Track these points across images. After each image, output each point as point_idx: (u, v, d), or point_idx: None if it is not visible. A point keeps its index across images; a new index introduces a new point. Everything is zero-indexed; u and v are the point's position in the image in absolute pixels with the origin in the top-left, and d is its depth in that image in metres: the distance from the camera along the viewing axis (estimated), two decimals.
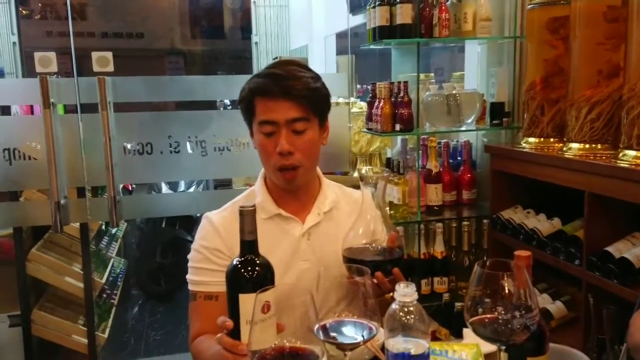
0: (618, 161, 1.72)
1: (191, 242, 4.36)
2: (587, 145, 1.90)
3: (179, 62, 11.29)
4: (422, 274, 2.44)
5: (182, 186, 4.37)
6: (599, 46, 1.89)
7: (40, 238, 3.05)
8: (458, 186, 2.59)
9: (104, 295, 3.37)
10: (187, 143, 2.47)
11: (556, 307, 2.06)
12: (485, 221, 2.46)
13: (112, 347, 3.32)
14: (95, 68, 2.30)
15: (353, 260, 1.19)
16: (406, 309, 0.85)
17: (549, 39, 2.13)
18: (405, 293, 0.85)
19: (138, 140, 2.42)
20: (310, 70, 1.42)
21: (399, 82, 2.34)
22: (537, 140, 2.16)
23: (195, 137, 2.46)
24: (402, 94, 2.31)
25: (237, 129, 2.52)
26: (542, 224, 2.10)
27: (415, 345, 0.85)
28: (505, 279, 0.90)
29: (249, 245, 1.00)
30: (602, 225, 1.81)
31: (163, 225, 4.30)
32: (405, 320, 0.85)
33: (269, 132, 1.34)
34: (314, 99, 1.35)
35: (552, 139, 2.13)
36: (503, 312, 0.89)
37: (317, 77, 1.40)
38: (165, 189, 4.23)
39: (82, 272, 2.98)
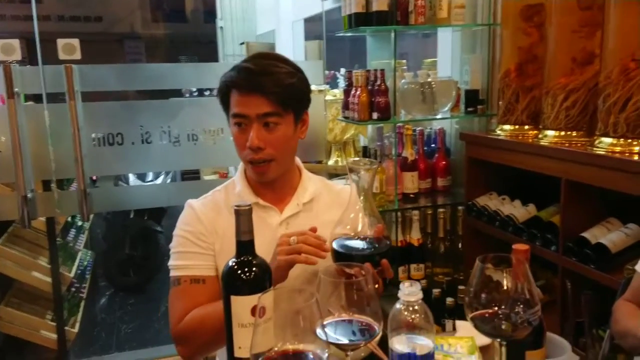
0: (594, 148, 1.75)
1: (161, 232, 4.28)
2: (563, 133, 1.93)
3: (139, 47, 10.99)
4: (399, 261, 2.46)
5: (150, 176, 4.28)
6: (573, 34, 1.91)
7: (3, 232, 2.94)
8: (433, 173, 2.61)
9: (73, 289, 3.29)
10: (159, 133, 2.40)
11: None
12: (460, 208, 2.49)
13: (82, 341, 3.25)
14: (61, 55, 2.20)
15: (342, 254, 1.18)
16: (411, 308, 0.85)
17: (523, 26, 2.15)
18: (410, 292, 0.85)
19: (108, 131, 2.35)
20: (288, 63, 1.39)
21: (376, 70, 2.32)
22: (512, 127, 2.19)
23: (168, 126, 2.40)
24: (379, 82, 2.29)
25: (210, 119, 2.47)
26: (518, 210, 2.13)
27: (420, 344, 0.84)
28: (506, 274, 0.90)
29: (244, 246, 0.98)
30: (578, 212, 1.84)
31: (131, 216, 4.20)
32: (410, 320, 0.85)
33: (241, 124, 1.35)
34: (286, 94, 1.34)
35: (526, 127, 2.16)
36: (504, 307, 0.89)
37: (293, 72, 1.38)
38: (132, 179, 4.13)
39: (49, 267, 2.90)
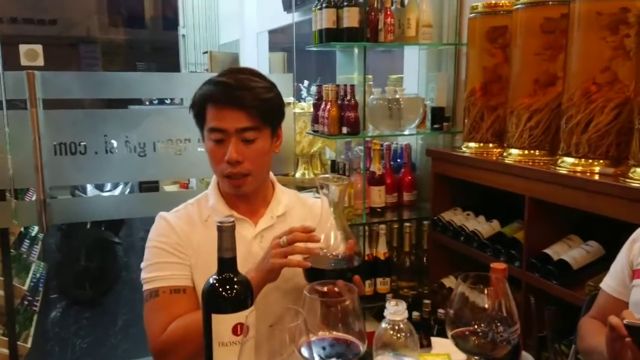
0: (557, 167, 1.81)
1: (119, 244, 4.18)
2: (526, 151, 2.00)
3: (96, 52, 10.74)
4: (366, 275, 2.47)
5: (108, 186, 4.17)
6: (536, 56, 1.98)
7: None
8: (399, 188, 2.65)
9: (25, 302, 3.16)
10: (125, 143, 2.35)
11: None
12: (425, 222, 2.53)
13: (35, 357, 3.12)
14: (23, 62, 2.13)
15: (315, 271, 1.18)
16: (397, 327, 0.85)
17: (488, 47, 2.22)
18: (395, 311, 0.85)
19: (70, 139, 2.28)
20: (264, 79, 1.40)
21: (345, 85, 2.34)
22: (477, 145, 2.25)
23: (134, 137, 2.35)
24: (348, 97, 2.32)
25: (175, 129, 2.43)
26: (482, 226, 2.18)
27: None
28: (487, 292, 0.92)
29: (226, 263, 0.96)
30: (541, 228, 1.90)
31: (88, 227, 4.07)
32: (396, 338, 0.85)
33: (219, 139, 1.34)
34: (264, 109, 1.34)
35: (491, 145, 2.22)
36: (484, 325, 0.91)
37: (270, 87, 1.39)
38: (90, 188, 4.01)
39: (1, 279, 2.78)
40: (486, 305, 0.92)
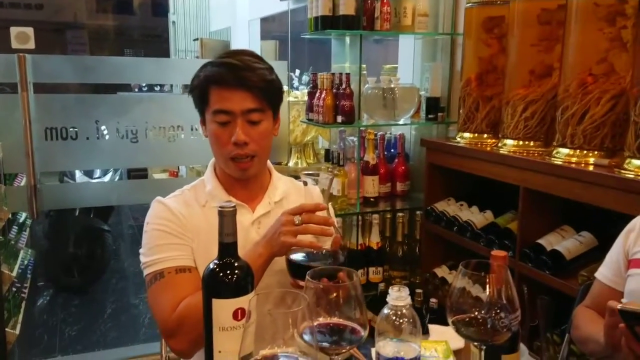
0: (552, 158, 1.82)
1: (108, 231, 4.13)
2: (521, 142, 2.00)
3: (82, 37, 10.60)
4: (358, 264, 2.47)
5: (97, 173, 4.12)
6: (532, 47, 1.98)
7: None
8: (393, 178, 2.65)
9: (14, 289, 3.12)
10: (116, 129, 2.32)
11: (479, 290, 2.16)
12: (418, 212, 2.53)
13: (23, 344, 3.09)
14: (14, 44, 2.09)
15: (298, 266, 1.17)
16: (399, 313, 0.85)
17: (484, 37, 2.22)
18: (398, 297, 0.85)
19: (61, 125, 2.25)
20: (264, 61, 1.40)
21: (341, 74, 2.33)
22: (471, 135, 2.25)
23: (126, 123, 2.32)
24: (344, 86, 2.30)
25: (169, 117, 2.41)
26: (476, 217, 2.19)
27: (406, 348, 0.85)
28: (488, 279, 0.92)
29: (227, 248, 0.95)
30: (534, 219, 1.91)
31: (76, 214, 4.02)
32: (398, 324, 0.85)
33: (224, 121, 1.32)
34: (269, 90, 1.34)
35: (486, 135, 2.22)
36: (485, 312, 0.91)
37: (271, 69, 1.39)
38: (79, 175, 3.96)
39: None
40: (487, 292, 0.92)
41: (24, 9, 9.95)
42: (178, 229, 1.34)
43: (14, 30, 2.08)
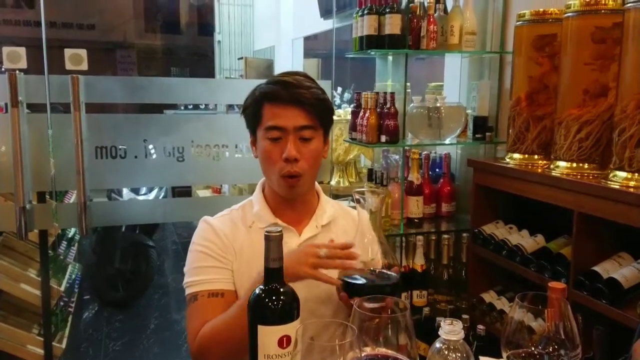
0: (608, 182, 1.74)
1: (152, 247, 4.20)
2: (575, 164, 1.92)
3: (131, 56, 10.95)
4: (402, 287, 2.42)
5: (143, 190, 4.20)
6: (586, 66, 1.91)
7: None
8: (438, 199, 2.59)
9: (61, 304, 3.20)
10: (163, 148, 2.36)
11: (537, 324, 2.07)
12: (464, 235, 2.46)
13: (69, 358, 3.15)
14: (68, 66, 2.16)
15: (353, 284, 1.16)
16: (452, 347, 0.81)
17: (535, 56, 2.15)
18: (450, 330, 0.81)
19: (111, 144, 2.30)
20: (316, 83, 1.42)
21: (385, 93, 2.31)
22: (522, 156, 2.18)
23: (173, 142, 2.36)
24: (388, 105, 2.28)
25: (215, 135, 2.44)
26: (526, 241, 2.11)
27: None
28: (546, 313, 0.87)
29: (273, 273, 0.94)
30: (589, 245, 1.83)
31: (123, 230, 4.11)
32: (450, 359, 0.81)
33: (276, 137, 1.33)
34: (321, 108, 1.36)
35: (536, 156, 2.15)
36: (542, 347, 0.86)
37: (323, 90, 1.41)
38: (126, 192, 4.05)
39: (38, 279, 2.82)
40: (545, 327, 0.87)
41: (76, 29, 10.35)
42: (219, 252, 1.36)
43: (67, 52, 2.16)
